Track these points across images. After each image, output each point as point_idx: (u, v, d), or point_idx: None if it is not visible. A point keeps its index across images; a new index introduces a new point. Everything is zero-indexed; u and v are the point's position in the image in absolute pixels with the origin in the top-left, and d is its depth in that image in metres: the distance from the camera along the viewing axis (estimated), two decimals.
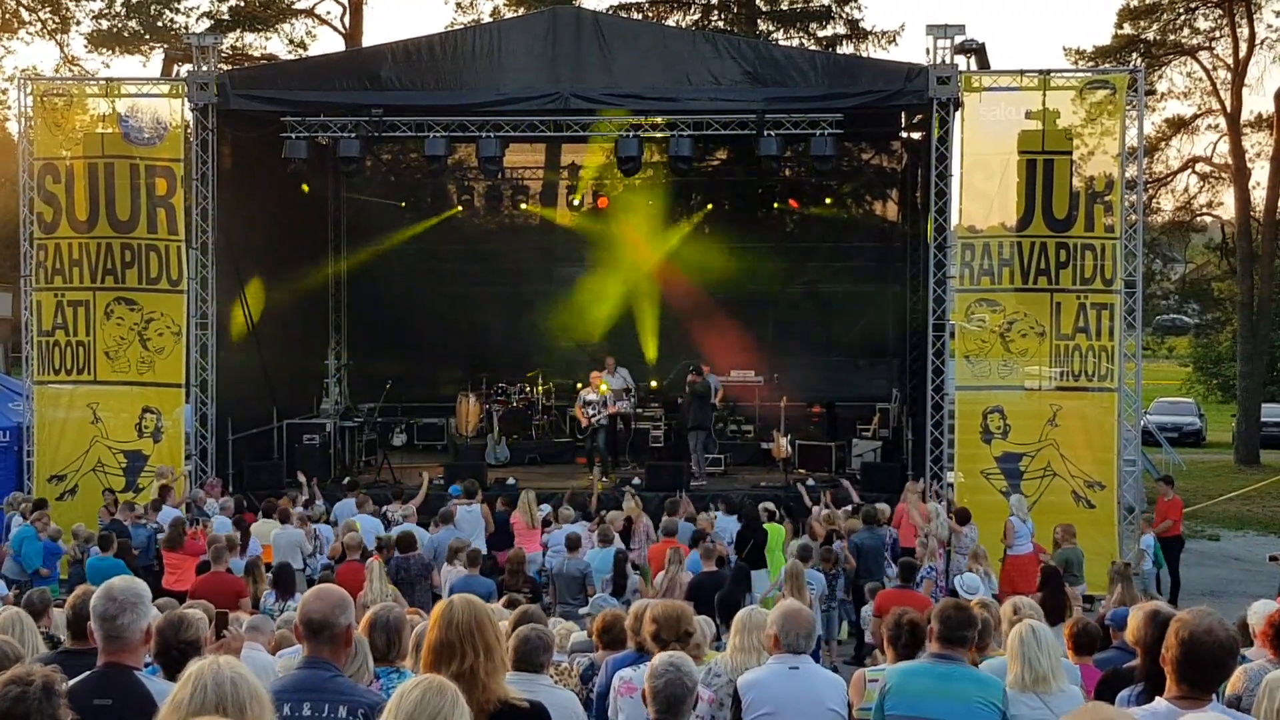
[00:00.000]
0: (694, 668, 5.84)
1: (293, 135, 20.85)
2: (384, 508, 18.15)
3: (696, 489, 20.70)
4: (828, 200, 26.97)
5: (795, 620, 6.80)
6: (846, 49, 36.98)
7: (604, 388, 22.79)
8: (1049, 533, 17.88)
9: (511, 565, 14.37)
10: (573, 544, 14.86)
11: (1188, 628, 4.88)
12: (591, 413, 22.58)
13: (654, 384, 26.05)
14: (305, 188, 23.42)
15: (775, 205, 27.50)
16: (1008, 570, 16.24)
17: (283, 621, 10.72)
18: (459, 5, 39.34)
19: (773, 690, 6.64)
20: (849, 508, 17.90)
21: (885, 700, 6.54)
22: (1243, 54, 35.69)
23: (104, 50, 37.76)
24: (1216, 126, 37.99)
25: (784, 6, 38.52)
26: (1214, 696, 5.04)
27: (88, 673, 5.13)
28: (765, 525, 16.41)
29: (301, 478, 19.87)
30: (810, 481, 21.83)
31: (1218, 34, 36.94)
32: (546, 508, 18.15)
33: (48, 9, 37.76)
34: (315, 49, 38.88)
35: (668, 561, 13.93)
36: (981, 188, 19.64)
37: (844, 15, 38.01)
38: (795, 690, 6.64)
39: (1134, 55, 36.22)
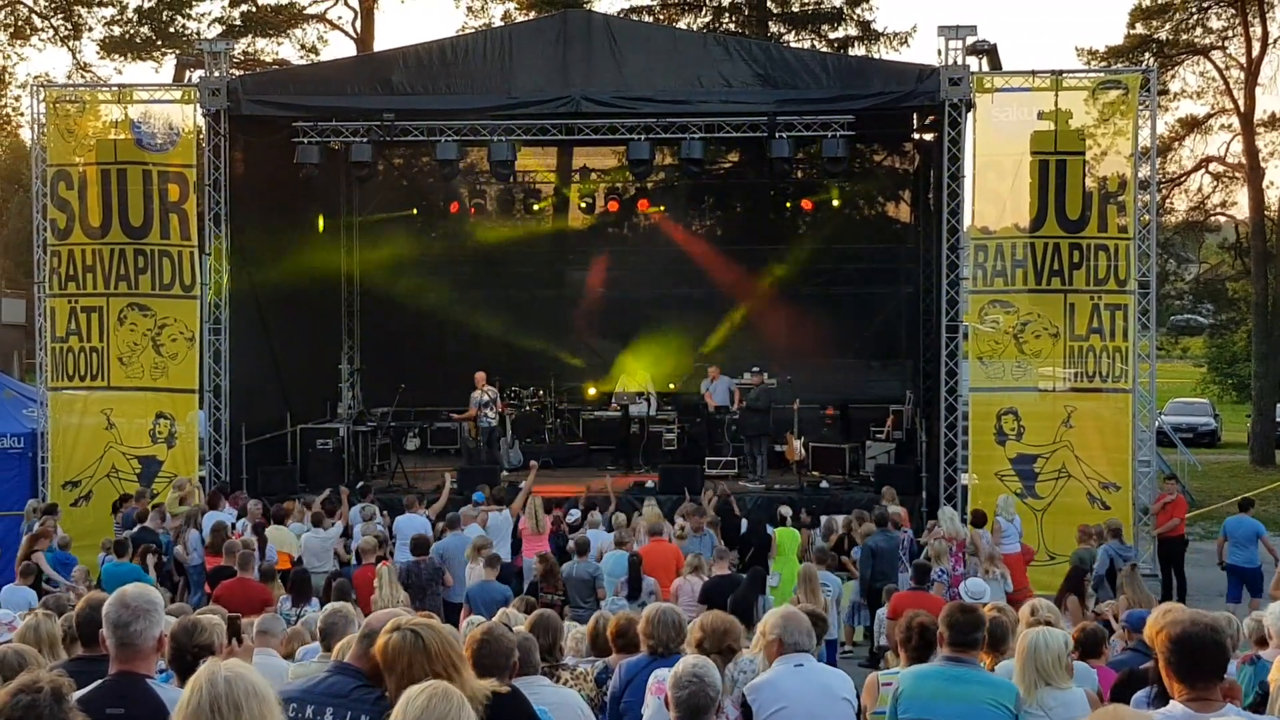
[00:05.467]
0: (717, 676, 5.86)
1: (305, 140, 20.87)
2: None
3: (749, 493, 20.64)
4: (839, 202, 26.93)
5: (794, 621, 6.89)
6: (858, 51, 36.97)
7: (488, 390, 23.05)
8: (1063, 533, 17.88)
9: (546, 568, 14.37)
10: (582, 548, 14.85)
11: (1176, 626, 4.89)
12: (491, 414, 22.85)
13: (671, 386, 26.00)
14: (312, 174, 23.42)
15: (787, 207, 27.47)
16: None
17: (303, 624, 10.74)
18: (470, 10, 39.37)
19: (782, 687, 6.69)
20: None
21: (898, 704, 6.58)
22: (1255, 53, 35.62)
23: (116, 56, 37.85)
24: (1230, 126, 37.91)
25: (795, 9, 38.50)
26: (1230, 700, 5.01)
27: (99, 681, 5.11)
28: (777, 529, 16.38)
29: (344, 492, 19.48)
30: (824, 484, 21.85)
31: (1230, 33, 36.86)
32: (576, 512, 18.12)
33: (60, 16, 37.86)
34: (327, 54, 39.08)
35: (686, 567, 13.94)
36: (994, 188, 19.61)
37: (855, 17, 37.98)
38: (805, 684, 6.71)
39: (1146, 55, 36.14)
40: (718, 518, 17.08)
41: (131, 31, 37.65)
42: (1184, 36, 37.36)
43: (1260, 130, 37.38)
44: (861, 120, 20.73)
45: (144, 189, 20.28)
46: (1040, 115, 19.40)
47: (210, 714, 3.90)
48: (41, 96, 20.94)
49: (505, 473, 22.14)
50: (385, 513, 18.16)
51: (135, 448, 20.35)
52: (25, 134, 39.65)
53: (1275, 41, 36.22)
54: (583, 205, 27.10)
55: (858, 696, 6.92)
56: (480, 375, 23.13)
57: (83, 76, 37.03)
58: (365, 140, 20.94)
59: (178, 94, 20.79)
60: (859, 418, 24.69)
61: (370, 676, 5.04)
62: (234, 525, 16.80)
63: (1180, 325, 50.77)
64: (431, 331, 26.74)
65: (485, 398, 22.81)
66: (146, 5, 37.43)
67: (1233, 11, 36.21)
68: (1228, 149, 38.62)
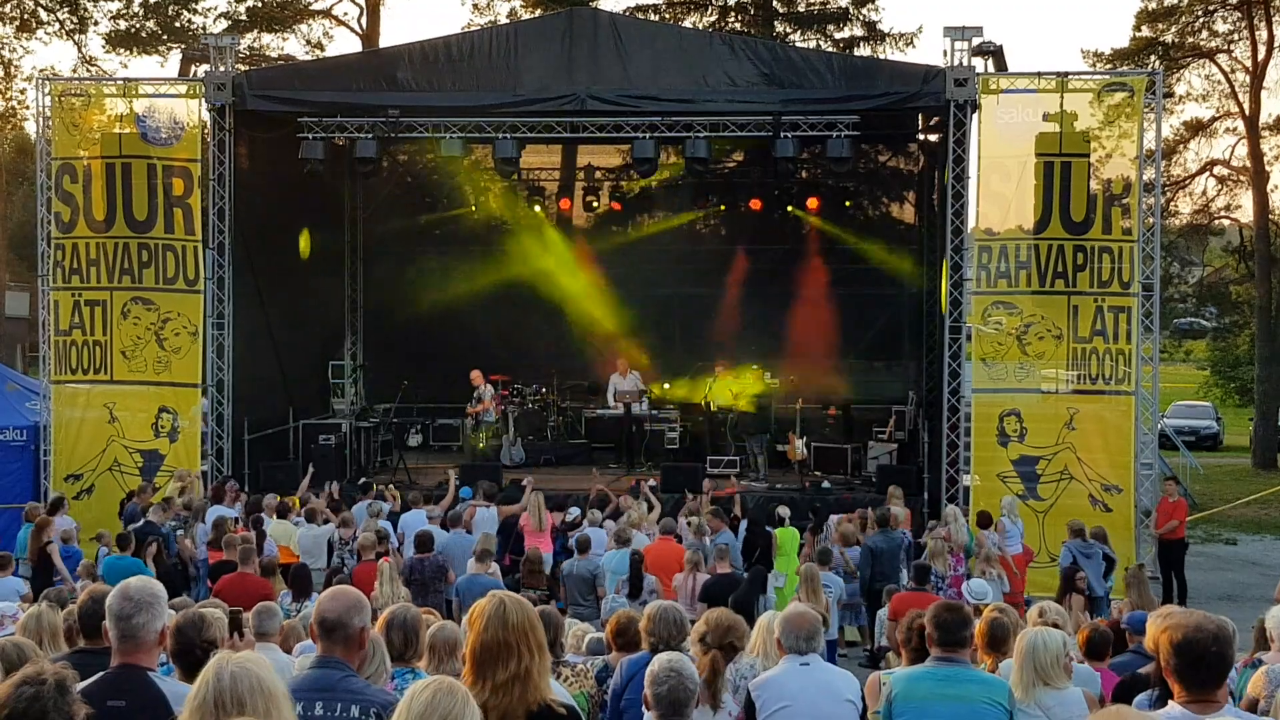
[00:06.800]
0: (694, 670, 5.87)
1: (309, 136, 20.88)
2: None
3: (751, 492, 20.60)
4: (844, 202, 26.89)
5: (795, 623, 6.93)
6: (864, 51, 36.96)
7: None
8: (1064, 535, 17.83)
9: (529, 565, 14.37)
10: (583, 545, 14.85)
11: (1179, 630, 4.86)
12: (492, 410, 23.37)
13: (667, 385, 25.98)
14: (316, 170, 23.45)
15: (791, 207, 27.44)
16: None
17: (301, 619, 10.74)
18: (476, 7, 39.42)
19: (786, 685, 6.74)
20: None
21: (893, 708, 6.59)
22: (1261, 57, 35.65)
23: (122, 50, 37.89)
24: (1235, 129, 37.93)
25: (801, 8, 38.51)
26: (1230, 699, 5.01)
27: (101, 673, 5.14)
28: (777, 529, 16.37)
29: (332, 487, 19.42)
30: (825, 484, 21.82)
31: (1236, 37, 36.85)
32: (575, 510, 18.13)
33: (66, 9, 37.85)
34: (332, 50, 39.08)
35: (686, 564, 13.94)
36: (999, 190, 19.58)
37: (861, 17, 37.99)
38: (808, 682, 6.77)
39: (1152, 58, 36.11)
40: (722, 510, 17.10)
41: (137, 26, 37.70)
42: (1190, 39, 37.34)
43: (1265, 134, 37.41)
44: (867, 121, 20.72)
45: (148, 183, 20.28)
46: (1045, 117, 19.36)
47: (214, 709, 3.91)
48: (46, 90, 20.95)
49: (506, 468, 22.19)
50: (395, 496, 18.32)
51: (137, 441, 20.36)
52: (30, 127, 39.69)
53: None
54: (587, 203, 27.10)
55: (863, 697, 6.93)
56: (476, 373, 23.25)
57: (88, 70, 36.97)
58: (370, 136, 20.94)
59: (183, 88, 20.78)
60: (861, 418, 24.63)
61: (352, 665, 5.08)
62: (237, 520, 16.81)
63: (1183, 328, 50.75)
64: (434, 328, 26.69)
65: (490, 392, 23.00)
66: (152, 0, 37.45)
67: (1239, 15, 36.22)
68: (1232, 152, 38.69)
